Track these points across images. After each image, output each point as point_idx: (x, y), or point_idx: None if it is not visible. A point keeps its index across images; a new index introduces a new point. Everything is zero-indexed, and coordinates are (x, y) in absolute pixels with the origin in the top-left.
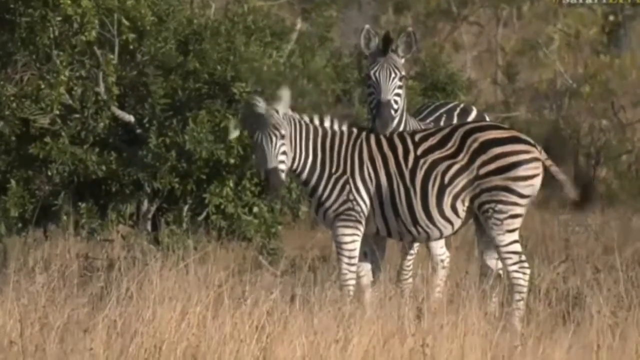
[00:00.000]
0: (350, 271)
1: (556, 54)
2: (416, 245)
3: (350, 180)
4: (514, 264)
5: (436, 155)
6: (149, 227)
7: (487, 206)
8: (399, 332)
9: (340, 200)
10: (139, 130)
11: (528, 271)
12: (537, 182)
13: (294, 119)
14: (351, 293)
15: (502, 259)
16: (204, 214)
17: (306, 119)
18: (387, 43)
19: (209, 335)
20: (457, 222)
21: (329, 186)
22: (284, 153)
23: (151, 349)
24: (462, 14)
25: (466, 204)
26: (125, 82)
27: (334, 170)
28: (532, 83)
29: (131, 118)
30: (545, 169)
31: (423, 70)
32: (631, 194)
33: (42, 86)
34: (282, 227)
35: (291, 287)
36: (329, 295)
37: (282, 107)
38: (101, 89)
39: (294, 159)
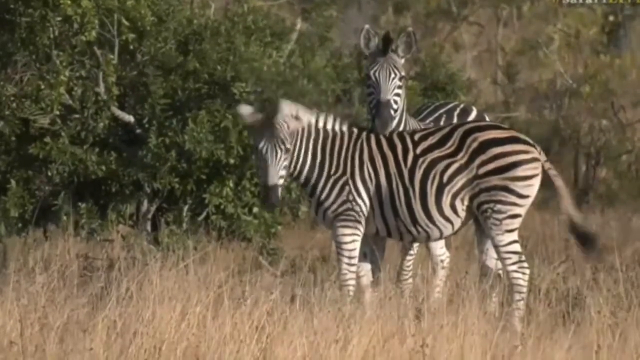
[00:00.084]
0: (350, 271)
1: (556, 54)
2: (416, 245)
3: (350, 181)
4: (514, 264)
5: (435, 154)
6: (148, 228)
7: (486, 206)
8: (398, 332)
9: (340, 200)
10: (138, 131)
11: (528, 271)
12: (536, 182)
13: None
14: (351, 293)
15: (502, 259)
16: (204, 214)
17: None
18: (387, 43)
19: (208, 335)
20: (457, 222)
21: (328, 186)
22: (285, 167)
23: (151, 349)
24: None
25: (465, 203)
26: (125, 82)
27: (333, 171)
28: (532, 83)
29: (131, 118)
30: (544, 171)
31: (423, 71)
32: (631, 194)
33: (42, 86)
34: (281, 227)
35: (291, 287)
36: (329, 296)
37: (281, 117)
38: (101, 89)
39: (293, 160)
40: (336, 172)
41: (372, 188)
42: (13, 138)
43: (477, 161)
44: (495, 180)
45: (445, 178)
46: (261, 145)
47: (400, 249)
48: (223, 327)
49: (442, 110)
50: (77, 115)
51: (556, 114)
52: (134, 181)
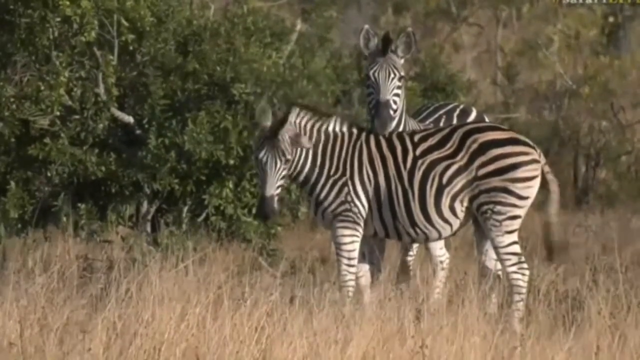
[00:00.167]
0: (350, 272)
1: (556, 55)
2: (415, 246)
3: (349, 182)
4: (513, 265)
5: (435, 155)
6: (148, 229)
7: (485, 207)
8: (398, 333)
9: (339, 201)
10: (138, 131)
11: (527, 272)
12: (536, 183)
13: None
14: (350, 294)
15: (502, 260)
16: (204, 215)
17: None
18: (386, 43)
19: (208, 336)
20: (456, 223)
21: (328, 187)
22: (284, 177)
23: (150, 350)
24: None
25: (465, 204)
26: (125, 83)
27: (333, 172)
28: (532, 84)
29: (131, 119)
30: (543, 173)
31: (423, 71)
32: (631, 195)
33: (42, 87)
34: (281, 228)
35: (291, 288)
36: (329, 296)
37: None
38: (101, 90)
39: (293, 161)
40: (335, 172)
41: (371, 189)
42: (13, 139)
43: (477, 162)
44: (495, 182)
45: (444, 180)
46: (261, 155)
47: (400, 249)
48: (223, 328)
49: (441, 111)
50: (76, 116)
51: (556, 114)
52: (134, 182)
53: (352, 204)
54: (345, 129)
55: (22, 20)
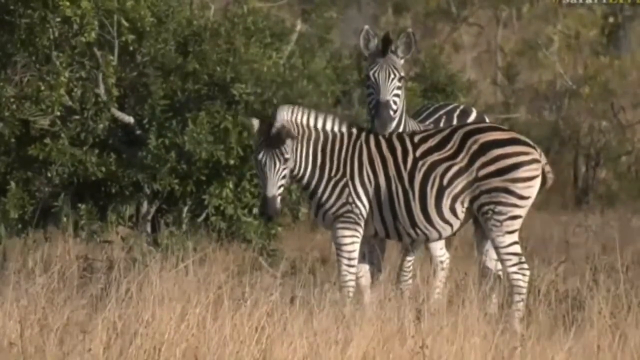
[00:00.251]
0: (350, 272)
1: (556, 55)
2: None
3: (350, 184)
4: (514, 265)
5: (435, 156)
6: (148, 229)
7: (486, 208)
8: (398, 333)
9: (340, 202)
10: (138, 132)
11: (528, 272)
12: (537, 183)
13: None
14: (351, 294)
15: (502, 261)
16: (204, 215)
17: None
18: (386, 44)
19: (208, 336)
20: (456, 224)
21: (329, 189)
22: (285, 177)
23: (150, 350)
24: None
25: (465, 205)
26: (125, 83)
27: (333, 173)
28: (532, 84)
29: (131, 119)
30: (543, 173)
31: (423, 72)
32: (631, 195)
33: (42, 87)
34: (281, 228)
35: (291, 288)
36: (329, 297)
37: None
38: (101, 90)
39: (293, 163)
40: (336, 173)
41: (371, 189)
42: (13, 139)
43: (478, 163)
44: (495, 182)
45: (445, 181)
46: (260, 156)
47: (400, 249)
48: (223, 328)
49: (441, 112)
50: (77, 117)
51: (556, 114)
52: (134, 182)
53: (354, 205)
54: (344, 129)
55: (22, 21)
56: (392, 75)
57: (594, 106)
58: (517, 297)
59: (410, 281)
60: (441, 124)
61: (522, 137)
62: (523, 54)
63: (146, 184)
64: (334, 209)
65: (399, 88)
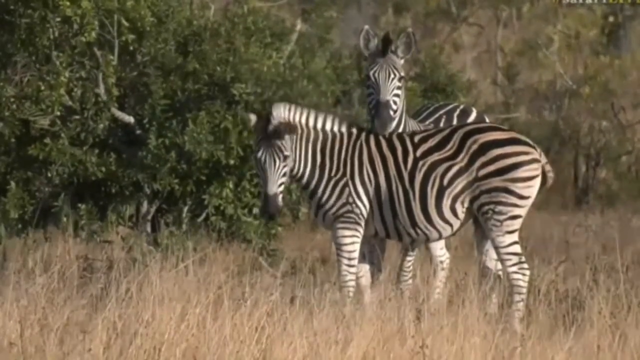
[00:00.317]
0: (350, 272)
1: (556, 55)
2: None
3: (350, 183)
4: (514, 265)
5: (435, 156)
6: (148, 229)
7: (486, 207)
8: (398, 333)
9: (340, 202)
10: (138, 132)
11: (528, 272)
12: (537, 183)
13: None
14: (351, 294)
15: (502, 260)
16: (204, 215)
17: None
18: (386, 44)
19: (208, 336)
20: (456, 224)
21: (329, 189)
22: (285, 174)
23: (150, 350)
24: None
25: (465, 205)
26: (125, 83)
27: (333, 173)
28: (532, 84)
29: (131, 119)
30: (544, 172)
31: (423, 71)
32: (631, 195)
33: (42, 87)
34: (282, 228)
35: (291, 288)
36: (329, 297)
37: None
38: (101, 90)
39: (293, 163)
40: (336, 173)
41: (371, 189)
42: (13, 139)
43: (478, 163)
44: (495, 182)
45: (445, 181)
46: (259, 154)
47: (400, 249)
48: (223, 328)
49: (441, 112)
50: (77, 116)
51: (556, 114)
52: (134, 182)
53: (354, 205)
54: (344, 128)
55: (22, 21)
56: (392, 75)
57: (594, 106)
58: (517, 297)
59: (410, 281)
60: (441, 124)
61: (522, 137)
62: (523, 54)
63: (146, 183)
64: (334, 209)
65: (399, 88)
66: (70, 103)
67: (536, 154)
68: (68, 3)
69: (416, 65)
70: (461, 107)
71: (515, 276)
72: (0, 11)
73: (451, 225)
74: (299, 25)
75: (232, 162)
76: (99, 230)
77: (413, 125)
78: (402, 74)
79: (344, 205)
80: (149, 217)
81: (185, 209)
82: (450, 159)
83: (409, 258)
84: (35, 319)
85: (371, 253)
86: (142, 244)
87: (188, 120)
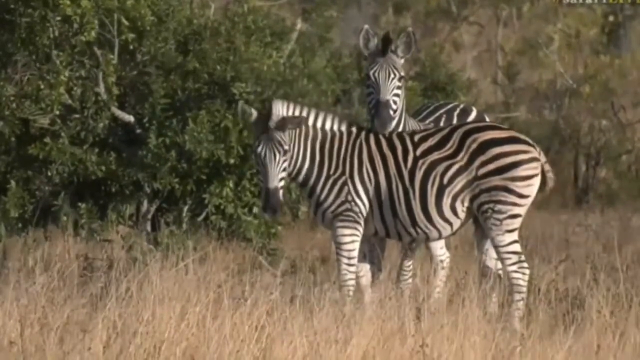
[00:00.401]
0: (350, 271)
1: (556, 54)
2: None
3: (349, 182)
4: (514, 264)
5: (435, 155)
6: (148, 228)
7: (486, 206)
8: (398, 332)
9: (339, 201)
10: (138, 131)
11: (527, 271)
12: (536, 182)
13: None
14: (351, 293)
15: (502, 259)
16: (204, 214)
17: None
18: (386, 43)
19: (208, 335)
20: (456, 223)
21: (327, 187)
22: (285, 169)
23: (150, 349)
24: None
25: (465, 204)
26: (125, 82)
27: (332, 171)
28: (532, 83)
29: (131, 118)
30: (543, 172)
31: (423, 71)
32: (631, 194)
33: (42, 86)
34: (281, 227)
35: (291, 287)
36: (329, 296)
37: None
38: (101, 89)
39: (292, 160)
40: (335, 172)
41: (371, 188)
42: (13, 138)
43: (477, 162)
44: (495, 181)
45: (445, 180)
46: (259, 149)
47: (400, 249)
48: (223, 327)
49: (441, 111)
50: (77, 116)
51: (556, 114)
52: (134, 181)
53: (353, 204)
54: (344, 127)
55: (22, 20)
56: (392, 75)
57: (594, 105)
58: (517, 296)
59: (410, 280)
60: (441, 123)
61: (521, 136)
62: (523, 53)
63: (146, 183)
64: (333, 207)
65: (398, 87)
66: (70, 102)
67: (535, 152)
68: (68, 2)
69: (416, 65)
70: (461, 106)
71: (515, 275)
72: (1, 10)
73: (451, 224)
74: (299, 25)
75: (232, 161)
76: (99, 230)
77: (413, 124)
78: (402, 73)
79: (342, 203)
80: (149, 216)
81: (186, 208)
82: (450, 158)
83: (409, 257)
84: (35, 318)
85: (371, 252)
86: (142, 243)
87: (188, 119)
